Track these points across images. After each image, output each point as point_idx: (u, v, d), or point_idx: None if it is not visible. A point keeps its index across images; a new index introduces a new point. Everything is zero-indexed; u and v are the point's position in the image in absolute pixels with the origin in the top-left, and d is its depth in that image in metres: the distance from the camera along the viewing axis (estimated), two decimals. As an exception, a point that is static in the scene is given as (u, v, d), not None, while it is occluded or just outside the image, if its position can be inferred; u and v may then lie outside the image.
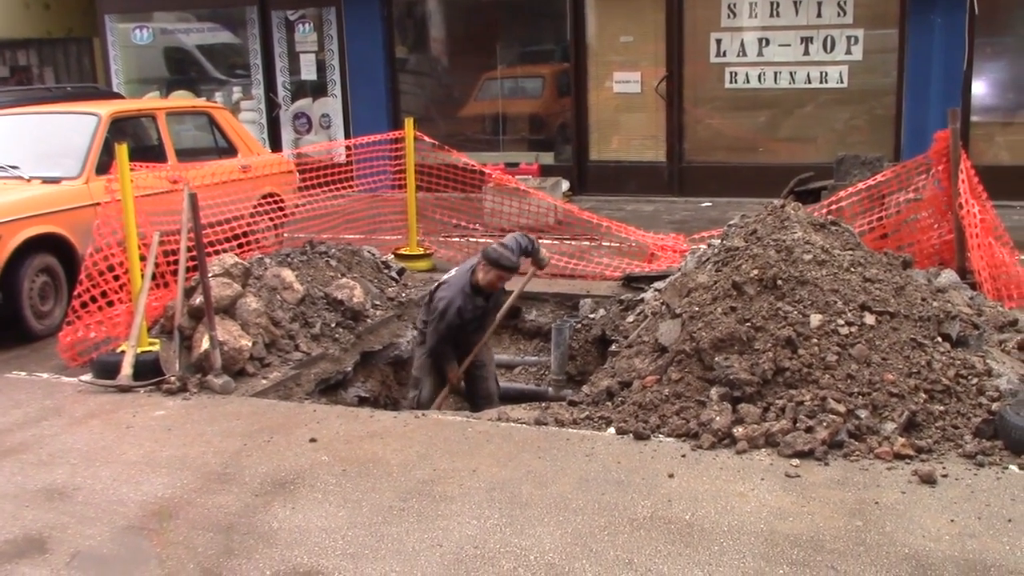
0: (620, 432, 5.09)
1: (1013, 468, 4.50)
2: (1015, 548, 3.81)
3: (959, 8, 11.48)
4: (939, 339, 5.36)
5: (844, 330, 5.25)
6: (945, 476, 4.42)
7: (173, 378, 6.07)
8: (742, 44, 12.56)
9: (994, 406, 4.87)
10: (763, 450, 4.75)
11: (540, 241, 7.36)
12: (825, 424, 4.75)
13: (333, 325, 7.21)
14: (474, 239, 9.83)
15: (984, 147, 11.92)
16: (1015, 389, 5.00)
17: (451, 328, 6.63)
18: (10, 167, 7.91)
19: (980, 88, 11.94)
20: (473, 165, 10.40)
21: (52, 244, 7.44)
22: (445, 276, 6.92)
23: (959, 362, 5.20)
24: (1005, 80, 12.24)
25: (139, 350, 6.22)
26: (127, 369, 6.09)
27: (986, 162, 10.79)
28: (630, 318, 6.99)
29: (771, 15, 12.36)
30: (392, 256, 9.04)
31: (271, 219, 9.19)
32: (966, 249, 7.25)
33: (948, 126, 7.52)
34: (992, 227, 7.48)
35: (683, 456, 4.76)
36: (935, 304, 5.58)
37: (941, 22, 11.63)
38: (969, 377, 5.13)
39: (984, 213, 7.37)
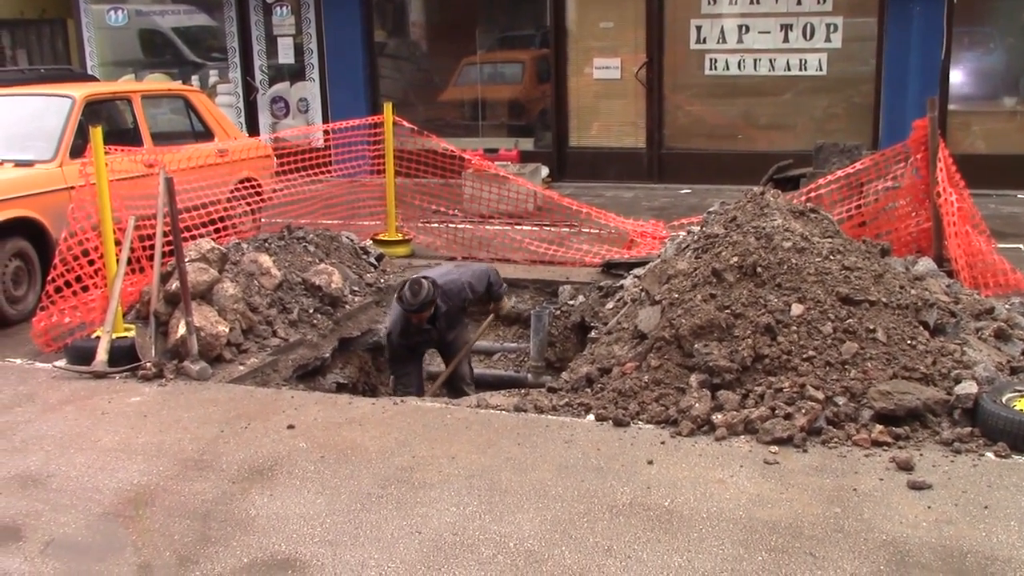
0: (599, 419, 5.09)
1: (989, 455, 4.53)
2: (991, 535, 3.84)
3: (937, -3, 11.54)
4: (917, 327, 5.39)
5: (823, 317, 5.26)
6: (922, 463, 4.44)
7: (149, 364, 6.01)
8: (722, 31, 12.55)
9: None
10: (742, 437, 4.76)
11: (520, 228, 7.33)
12: (804, 411, 4.76)
13: (311, 311, 7.16)
14: (453, 225, 9.79)
15: (962, 136, 11.98)
16: (991, 376, 5.03)
17: (407, 350, 6.80)
18: (-18, 150, 7.78)
19: (957, 77, 12.00)
20: (452, 151, 10.35)
21: (25, 228, 7.34)
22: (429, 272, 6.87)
23: (937, 349, 5.22)
24: (982, 69, 12.30)
25: (114, 336, 6.16)
26: (102, 355, 6.03)
27: (963, 150, 10.84)
28: (609, 305, 6.99)
29: (751, 2, 12.37)
30: (371, 242, 8.99)
31: (248, 204, 9.11)
32: (943, 237, 7.28)
33: (926, 114, 7.55)
34: (969, 215, 7.52)
35: (662, 443, 4.76)
36: (913, 292, 5.60)
37: (920, 11, 11.67)
38: (947, 364, 5.16)
39: (961, 201, 7.39)
